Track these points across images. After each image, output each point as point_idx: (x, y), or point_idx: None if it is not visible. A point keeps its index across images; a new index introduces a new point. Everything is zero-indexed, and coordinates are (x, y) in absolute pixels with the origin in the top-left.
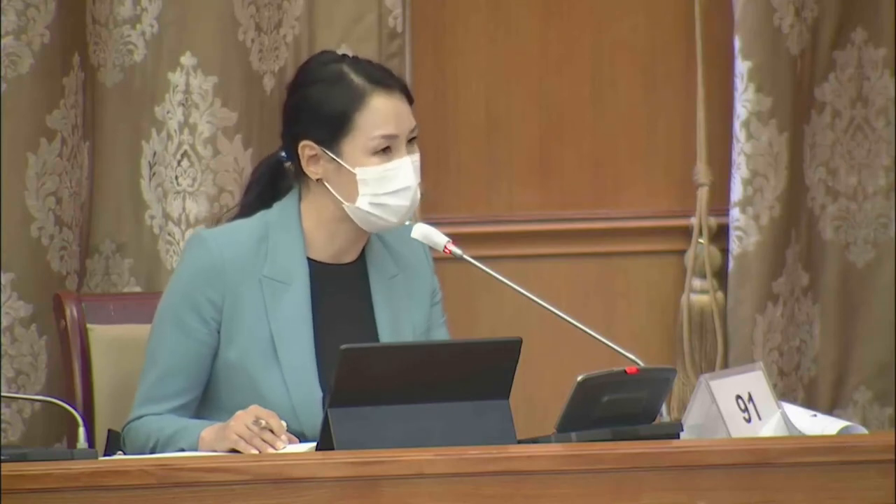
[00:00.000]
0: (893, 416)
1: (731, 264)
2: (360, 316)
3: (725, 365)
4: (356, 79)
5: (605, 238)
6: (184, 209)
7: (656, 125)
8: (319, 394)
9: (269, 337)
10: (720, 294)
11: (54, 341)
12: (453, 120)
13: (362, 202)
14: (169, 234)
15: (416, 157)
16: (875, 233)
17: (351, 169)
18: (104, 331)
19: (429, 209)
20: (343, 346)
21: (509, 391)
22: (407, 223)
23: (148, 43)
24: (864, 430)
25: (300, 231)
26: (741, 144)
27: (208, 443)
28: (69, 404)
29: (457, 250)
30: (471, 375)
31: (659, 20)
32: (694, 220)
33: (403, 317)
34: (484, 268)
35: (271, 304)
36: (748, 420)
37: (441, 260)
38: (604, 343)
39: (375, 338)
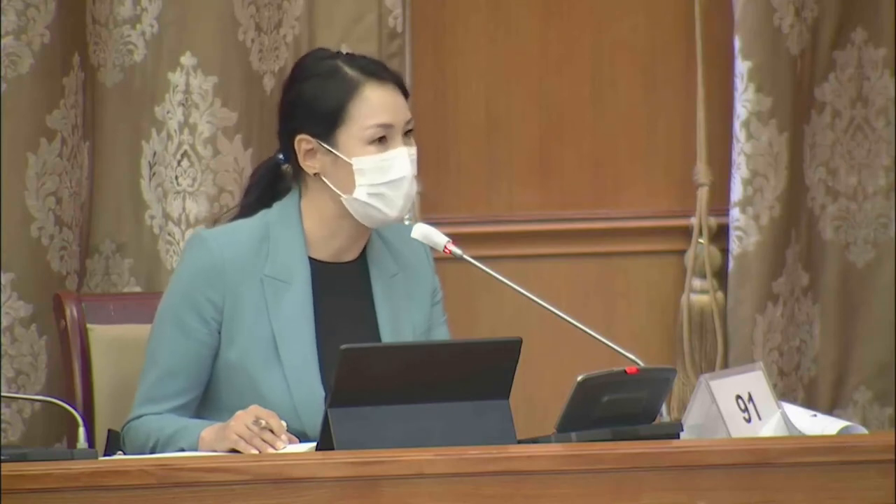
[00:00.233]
0: (893, 416)
1: (731, 264)
2: (361, 315)
3: (725, 365)
4: (350, 71)
5: (605, 238)
6: (184, 209)
7: (656, 125)
8: (321, 393)
9: (270, 336)
10: (720, 294)
11: (54, 341)
12: (453, 120)
13: (360, 193)
14: (169, 234)
15: (413, 150)
16: (875, 233)
17: (347, 159)
18: (104, 331)
19: (429, 209)
20: (343, 346)
21: (509, 391)
22: (407, 223)
23: (148, 43)
24: (864, 430)
25: (301, 230)
26: (741, 144)
27: (208, 443)
28: (69, 404)
29: (457, 250)
30: (471, 375)
31: (659, 20)
32: (694, 220)
33: (404, 316)
34: (484, 268)
35: (272, 304)
36: (748, 420)
37: (441, 260)
38: (604, 343)
39: (377, 337)
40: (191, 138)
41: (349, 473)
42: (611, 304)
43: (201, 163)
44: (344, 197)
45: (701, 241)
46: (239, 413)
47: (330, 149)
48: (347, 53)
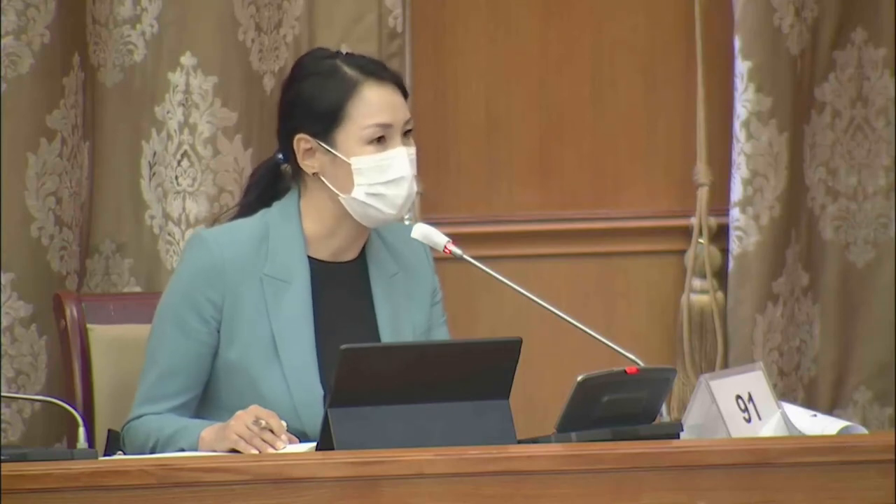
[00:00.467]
0: (893, 416)
1: (731, 264)
2: (360, 314)
3: (725, 365)
4: (349, 71)
5: (605, 238)
6: (184, 209)
7: (656, 125)
8: (321, 392)
9: (270, 336)
10: (720, 294)
11: (54, 341)
12: (453, 120)
13: (358, 192)
14: (169, 234)
15: (413, 150)
16: (875, 233)
17: (346, 159)
18: (104, 331)
19: (429, 209)
20: (343, 346)
21: (509, 391)
22: (407, 223)
23: (148, 43)
24: (864, 430)
25: (300, 229)
26: (741, 144)
27: (208, 443)
28: (69, 404)
29: (457, 250)
30: (471, 375)
31: (659, 20)
32: (694, 220)
33: (404, 316)
34: (484, 268)
35: (272, 303)
36: (748, 420)
37: (441, 260)
38: (604, 343)
39: (376, 336)
40: (191, 138)
41: (349, 473)
42: (611, 304)
43: (201, 163)
44: (342, 196)
45: (701, 241)
46: (239, 413)
47: (329, 148)
48: (346, 53)
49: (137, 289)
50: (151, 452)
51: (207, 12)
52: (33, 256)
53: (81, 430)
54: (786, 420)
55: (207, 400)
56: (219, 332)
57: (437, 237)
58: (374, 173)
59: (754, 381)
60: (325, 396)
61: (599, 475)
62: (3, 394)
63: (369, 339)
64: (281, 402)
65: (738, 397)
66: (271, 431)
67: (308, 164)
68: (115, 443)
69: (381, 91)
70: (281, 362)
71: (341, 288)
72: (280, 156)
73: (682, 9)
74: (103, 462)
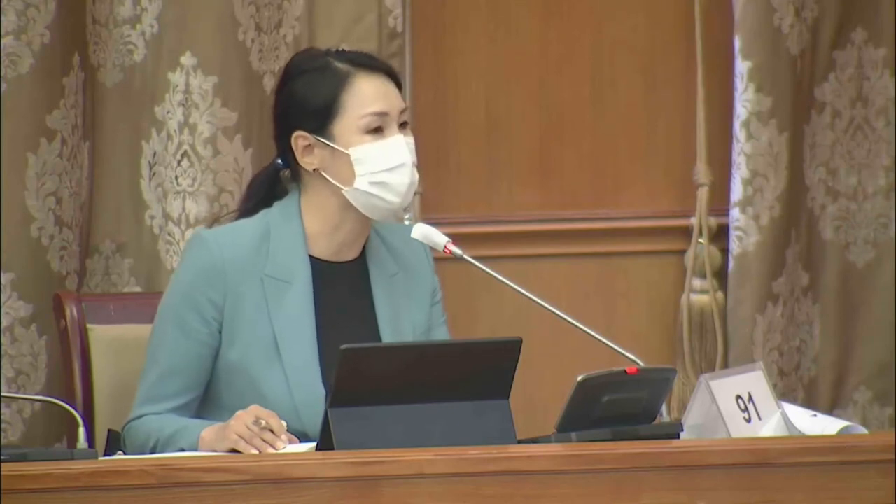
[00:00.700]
0: (893, 416)
1: (731, 264)
2: (361, 314)
3: (725, 365)
4: (340, 65)
5: (605, 238)
6: (184, 209)
7: (656, 125)
8: (322, 392)
9: (271, 336)
10: (720, 294)
11: (54, 341)
12: (453, 120)
13: (361, 182)
14: (169, 234)
15: (411, 139)
16: (875, 233)
17: (344, 150)
18: (104, 331)
19: (429, 209)
20: (343, 346)
21: (509, 391)
22: (407, 223)
23: (148, 43)
24: (864, 430)
25: (301, 228)
26: (741, 144)
27: (208, 443)
28: (69, 404)
29: (457, 250)
30: (471, 375)
31: (659, 20)
32: (694, 220)
33: (404, 316)
34: (484, 268)
35: (273, 303)
36: (748, 420)
37: (441, 260)
38: (604, 343)
39: (377, 335)
40: (191, 138)
41: (349, 473)
42: (611, 304)
43: (201, 163)
44: (345, 189)
45: (701, 241)
46: (239, 413)
47: (327, 142)
48: (337, 50)
49: (137, 289)
50: (151, 452)
51: (207, 12)
52: (33, 256)
53: (81, 430)
54: (786, 420)
55: (208, 400)
56: (220, 332)
57: (437, 237)
58: (374, 161)
59: (754, 381)
60: (325, 396)
61: (599, 475)
62: (3, 394)
63: (370, 339)
64: (282, 402)
65: (738, 397)
66: (271, 431)
67: (307, 161)
68: (115, 443)
69: (373, 81)
70: (282, 362)
71: (342, 288)
72: (279, 161)
73: (682, 9)
74: (103, 462)
